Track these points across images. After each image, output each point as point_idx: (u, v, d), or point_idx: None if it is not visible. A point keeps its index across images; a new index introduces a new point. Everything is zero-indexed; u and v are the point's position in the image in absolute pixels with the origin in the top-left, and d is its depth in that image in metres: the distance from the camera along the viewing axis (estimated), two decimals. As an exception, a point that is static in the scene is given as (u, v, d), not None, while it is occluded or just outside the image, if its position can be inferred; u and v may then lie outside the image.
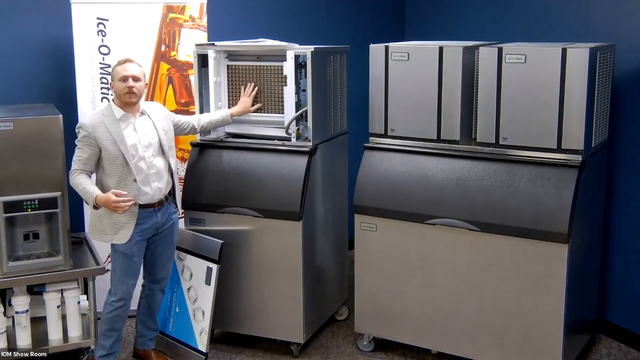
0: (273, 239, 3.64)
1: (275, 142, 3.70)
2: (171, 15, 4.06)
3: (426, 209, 3.42)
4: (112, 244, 3.36)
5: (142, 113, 3.40)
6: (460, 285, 3.41)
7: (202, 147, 3.81)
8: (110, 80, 3.41)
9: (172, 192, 3.51)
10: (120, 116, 3.31)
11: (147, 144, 3.35)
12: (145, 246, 3.45)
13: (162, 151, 3.42)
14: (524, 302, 3.26)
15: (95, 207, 3.23)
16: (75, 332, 3.65)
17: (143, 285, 3.64)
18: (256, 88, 3.74)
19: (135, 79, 3.29)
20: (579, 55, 3.08)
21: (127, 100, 3.30)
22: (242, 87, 3.77)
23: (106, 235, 3.34)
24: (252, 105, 3.75)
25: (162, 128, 3.44)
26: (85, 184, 3.24)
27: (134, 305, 3.61)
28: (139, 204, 3.32)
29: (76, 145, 3.29)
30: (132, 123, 3.34)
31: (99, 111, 3.40)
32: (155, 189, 3.37)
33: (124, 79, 3.28)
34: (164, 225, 3.47)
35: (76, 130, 3.28)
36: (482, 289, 3.36)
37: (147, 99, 4.06)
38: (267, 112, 3.76)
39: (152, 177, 3.36)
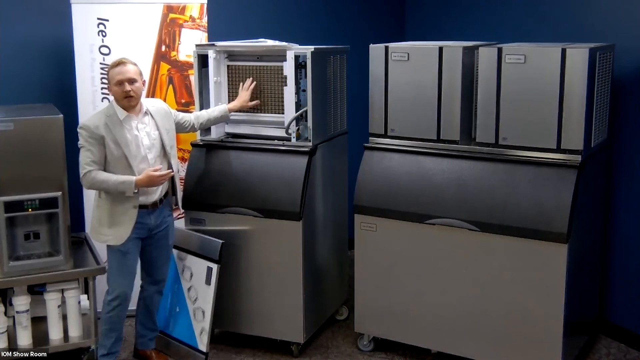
0: (273, 239, 3.64)
1: (275, 142, 3.70)
2: (171, 15, 4.07)
3: (426, 209, 3.42)
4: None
5: (145, 113, 3.38)
6: (460, 285, 3.42)
7: (202, 147, 3.82)
8: (108, 83, 3.37)
9: (168, 194, 3.49)
10: (124, 117, 3.29)
11: (149, 145, 3.34)
12: (140, 245, 3.44)
13: (163, 152, 3.41)
14: (524, 302, 3.27)
15: (134, 192, 3.24)
16: (75, 332, 3.65)
17: (142, 286, 3.64)
18: (254, 83, 3.72)
19: (131, 81, 3.26)
20: (578, 55, 3.08)
21: (127, 104, 3.28)
22: (241, 83, 3.76)
23: (104, 236, 3.34)
24: (251, 100, 3.72)
25: (165, 127, 3.42)
26: (114, 176, 3.23)
27: (133, 305, 3.61)
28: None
29: (81, 148, 3.24)
30: (135, 124, 3.32)
31: (100, 111, 3.36)
32: (153, 190, 3.36)
33: (120, 83, 3.25)
34: (158, 227, 3.46)
35: (78, 131, 3.26)
36: (482, 289, 3.36)
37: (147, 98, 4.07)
38: (267, 112, 3.77)
39: None
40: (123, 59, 3.33)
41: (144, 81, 3.42)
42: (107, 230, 3.32)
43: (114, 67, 3.28)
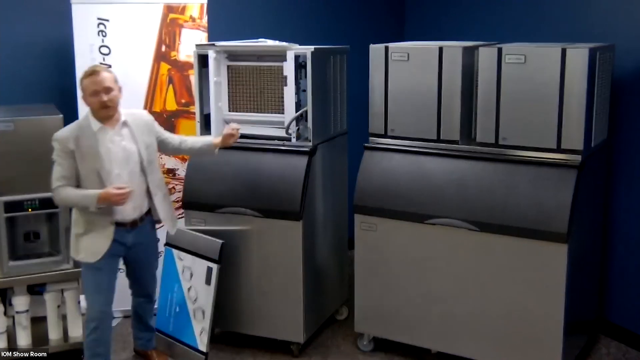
0: (273, 239, 3.64)
1: (275, 142, 3.70)
2: (171, 15, 4.07)
3: (426, 209, 3.42)
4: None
5: (124, 124, 3.20)
6: (460, 285, 3.42)
7: (202, 147, 3.81)
8: (81, 94, 3.17)
9: (152, 211, 3.34)
10: (98, 128, 3.12)
11: (124, 159, 3.17)
12: (117, 263, 3.31)
13: (141, 167, 3.23)
14: (524, 302, 3.26)
15: (99, 208, 3.08)
16: (75, 332, 3.66)
17: (132, 294, 3.59)
18: (239, 131, 3.50)
19: (107, 90, 3.09)
20: (578, 55, 3.08)
21: (105, 115, 3.12)
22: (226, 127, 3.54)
23: (80, 253, 3.20)
24: (232, 136, 3.47)
25: (144, 142, 3.24)
26: (78, 190, 3.09)
27: (128, 305, 3.61)
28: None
29: (54, 162, 3.11)
30: (111, 136, 3.15)
31: (76, 122, 3.20)
32: (129, 208, 3.20)
33: (95, 93, 3.08)
34: (137, 246, 3.31)
35: (52, 144, 3.13)
36: (482, 289, 3.36)
37: (147, 99, 4.08)
38: (267, 112, 3.76)
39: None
40: (96, 67, 3.17)
41: (120, 87, 3.21)
42: (83, 246, 3.18)
43: (87, 77, 3.11)
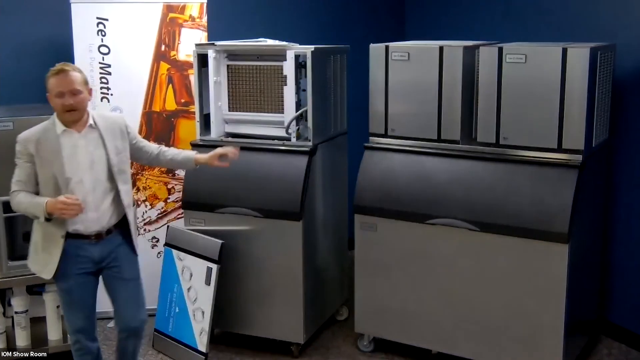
0: (273, 239, 3.63)
1: (275, 142, 3.70)
2: (171, 14, 4.06)
3: (426, 208, 3.41)
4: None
5: (92, 127, 2.93)
6: (460, 285, 3.41)
7: (202, 148, 3.80)
8: (47, 93, 2.89)
9: (129, 224, 3.04)
10: (61, 132, 2.87)
11: (88, 165, 2.90)
12: (89, 282, 3.00)
13: (109, 175, 2.95)
14: (524, 302, 3.26)
15: (48, 218, 2.80)
16: (74, 332, 3.64)
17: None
18: (237, 150, 3.32)
19: (74, 92, 2.83)
20: (579, 55, 3.07)
21: (68, 119, 2.86)
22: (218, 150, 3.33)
23: (37, 266, 2.99)
24: (221, 159, 3.29)
25: (115, 147, 2.97)
26: (31, 197, 2.84)
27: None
28: (69, 232, 2.89)
29: (16, 164, 2.91)
30: (75, 140, 2.89)
31: (43, 123, 2.94)
32: (91, 219, 2.91)
33: (60, 95, 2.82)
34: (105, 261, 2.99)
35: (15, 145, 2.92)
36: (482, 289, 3.35)
37: (147, 99, 4.07)
38: (267, 112, 3.76)
39: (89, 206, 2.88)
40: (65, 65, 2.88)
41: (91, 90, 2.97)
42: (40, 260, 2.95)
43: (53, 75, 2.84)
